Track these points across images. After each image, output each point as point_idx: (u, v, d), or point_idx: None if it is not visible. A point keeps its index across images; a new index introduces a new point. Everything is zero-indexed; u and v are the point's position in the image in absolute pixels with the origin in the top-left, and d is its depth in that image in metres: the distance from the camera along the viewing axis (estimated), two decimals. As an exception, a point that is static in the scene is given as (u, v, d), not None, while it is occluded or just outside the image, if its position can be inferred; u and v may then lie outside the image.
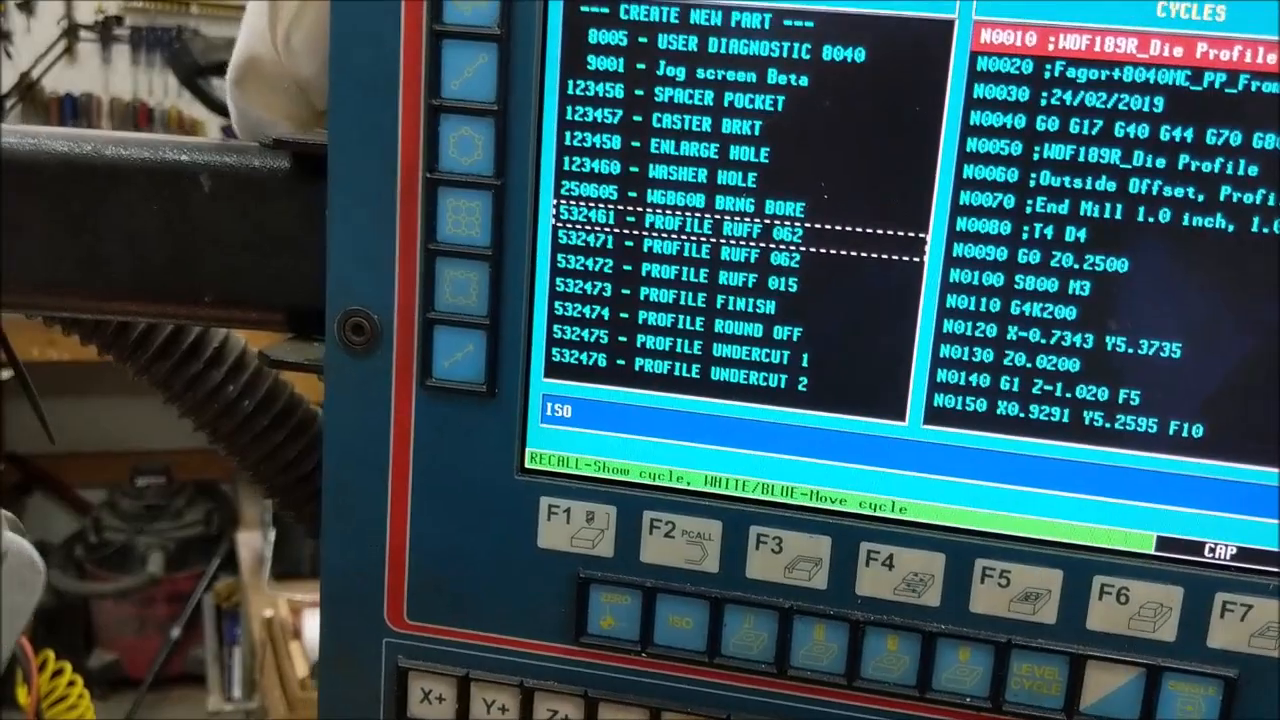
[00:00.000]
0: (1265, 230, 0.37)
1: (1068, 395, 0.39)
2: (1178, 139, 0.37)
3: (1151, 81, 0.37)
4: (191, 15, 3.23)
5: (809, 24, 0.39)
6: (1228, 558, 0.40)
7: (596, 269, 0.41)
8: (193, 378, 0.52)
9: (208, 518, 2.99)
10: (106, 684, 2.86)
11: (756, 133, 0.40)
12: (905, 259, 0.39)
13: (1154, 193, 0.38)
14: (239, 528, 2.73)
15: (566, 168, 0.41)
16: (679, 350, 0.42)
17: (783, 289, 0.41)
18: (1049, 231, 0.39)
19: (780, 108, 0.39)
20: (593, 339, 0.42)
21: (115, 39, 3.22)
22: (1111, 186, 0.38)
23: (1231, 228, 0.37)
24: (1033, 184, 0.38)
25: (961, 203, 0.39)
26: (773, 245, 0.40)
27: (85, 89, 3.25)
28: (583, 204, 0.41)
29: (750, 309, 0.41)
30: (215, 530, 2.97)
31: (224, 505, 3.06)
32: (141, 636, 2.93)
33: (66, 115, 3.22)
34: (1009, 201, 0.39)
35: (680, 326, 0.41)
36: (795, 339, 0.41)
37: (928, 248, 0.39)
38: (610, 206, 0.41)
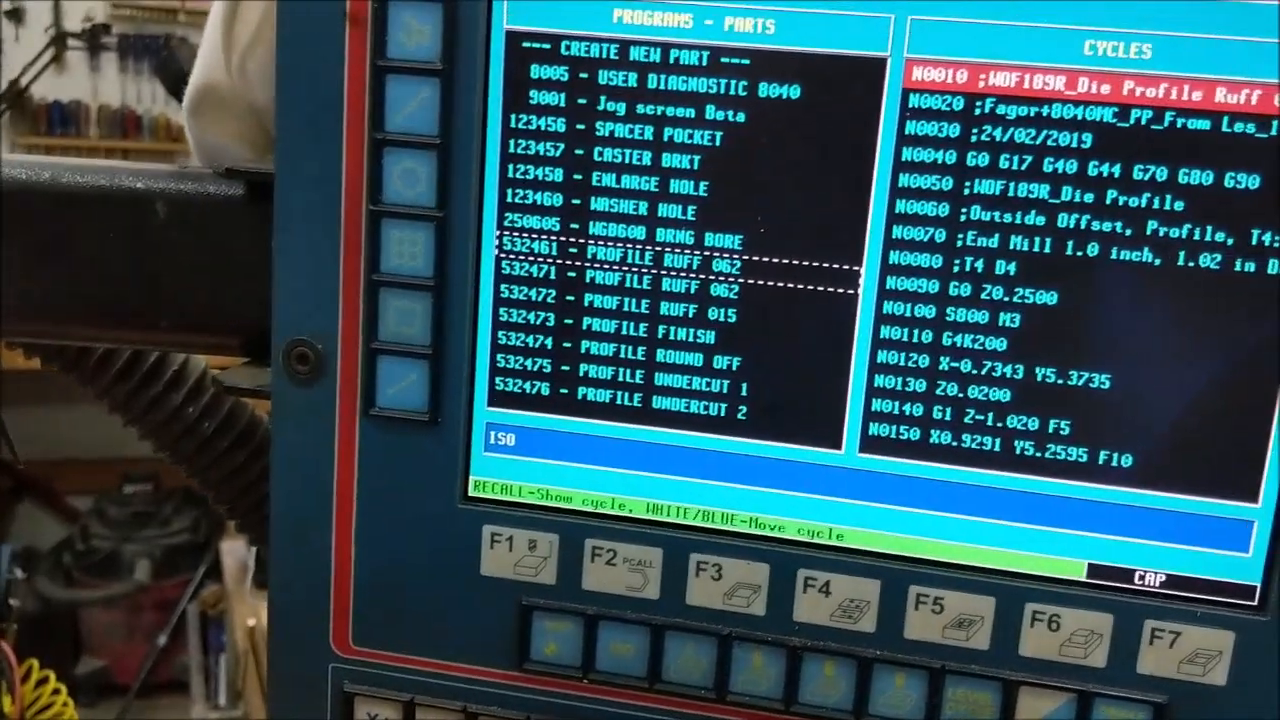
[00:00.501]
0: (1191, 264, 0.38)
1: (999, 425, 0.40)
2: (1105, 174, 0.38)
3: (1080, 118, 0.38)
4: (179, 23, 3.23)
5: (745, 61, 0.39)
6: (1157, 585, 0.40)
7: (539, 299, 0.42)
8: (153, 400, 0.53)
9: (195, 525, 2.99)
10: (94, 691, 2.85)
11: (696, 167, 0.40)
12: (840, 291, 0.40)
13: (1082, 227, 0.38)
14: (225, 535, 2.73)
15: (509, 200, 0.42)
16: (621, 379, 0.42)
17: (722, 319, 0.41)
18: (979, 265, 0.39)
19: (719, 143, 0.40)
20: (536, 368, 0.43)
21: (103, 47, 3.22)
22: (1041, 221, 0.39)
23: (1158, 261, 0.38)
24: (963, 218, 0.39)
25: (894, 236, 0.39)
26: (712, 277, 0.41)
27: (74, 96, 3.25)
28: (525, 235, 0.42)
29: (690, 339, 0.42)
30: (202, 538, 2.96)
31: (211, 513, 3.05)
32: (129, 643, 2.92)
33: (55, 123, 3.22)
34: (940, 235, 0.39)
35: (622, 356, 0.42)
36: (734, 368, 0.41)
37: (862, 280, 0.40)
38: (553, 238, 0.42)
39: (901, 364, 0.40)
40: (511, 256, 0.42)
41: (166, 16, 3.24)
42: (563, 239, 0.42)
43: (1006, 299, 0.39)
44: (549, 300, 0.42)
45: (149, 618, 2.91)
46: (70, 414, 2.77)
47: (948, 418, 0.40)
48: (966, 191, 0.39)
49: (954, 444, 0.40)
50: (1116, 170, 0.38)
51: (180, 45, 2.87)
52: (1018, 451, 0.40)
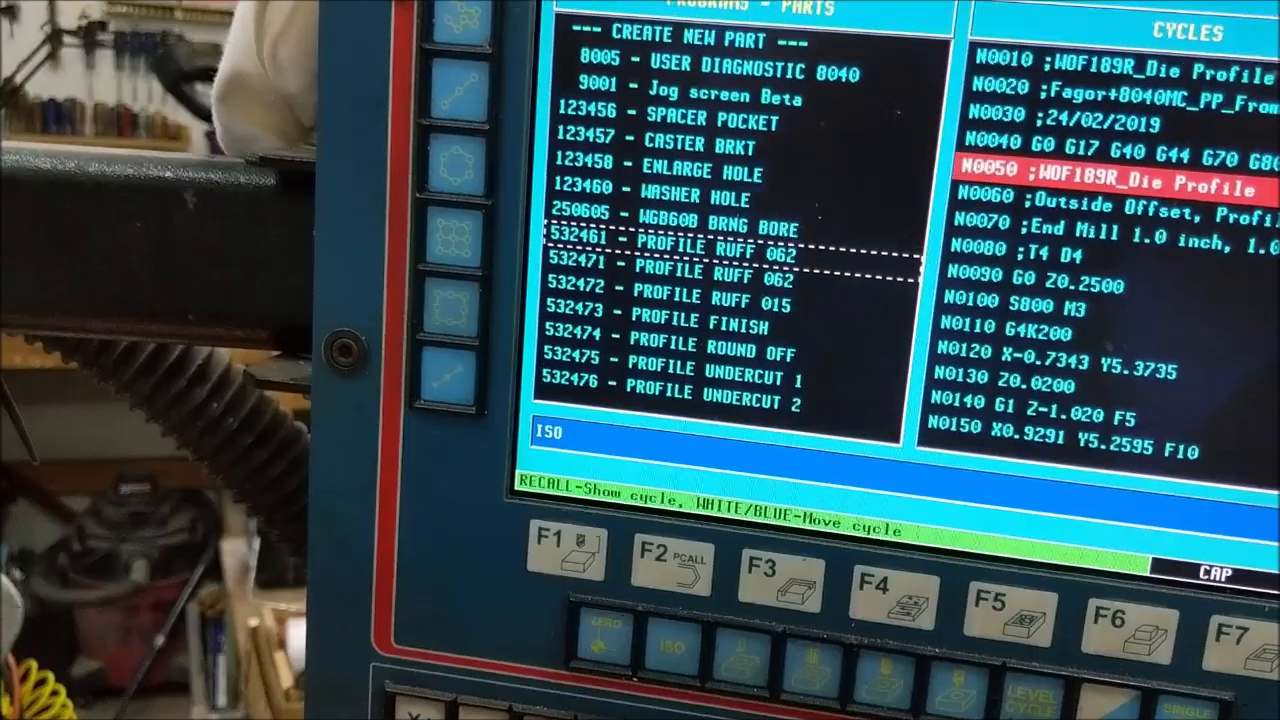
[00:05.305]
0: (1262, 251, 0.37)
1: (1063, 417, 0.39)
2: (1174, 160, 0.37)
3: (1148, 102, 0.37)
4: (176, 20, 3.22)
5: (803, 44, 0.38)
6: (1223, 580, 0.39)
7: (588, 289, 0.41)
8: (176, 395, 0.52)
9: (192, 525, 2.98)
10: (90, 693, 2.84)
11: (750, 153, 0.39)
12: (900, 280, 0.39)
13: (1150, 214, 0.38)
14: (224, 535, 2.72)
15: (558, 187, 0.41)
16: (671, 371, 0.41)
17: (776, 310, 0.40)
18: (1044, 252, 0.38)
19: (774, 127, 0.39)
20: (584, 360, 0.42)
21: (99, 44, 3.21)
22: (1108, 207, 0.38)
23: (1228, 249, 0.37)
24: (1028, 205, 0.38)
25: (956, 223, 0.39)
26: (766, 266, 0.40)
27: (69, 94, 3.24)
28: (574, 224, 0.41)
29: (743, 330, 0.41)
30: (200, 538, 2.95)
31: (209, 513, 3.05)
32: (125, 645, 2.91)
33: (50, 121, 3.21)
34: (1004, 222, 0.38)
35: (672, 347, 0.41)
36: (789, 360, 0.40)
37: (922, 269, 0.39)
38: (602, 226, 0.41)
39: (963, 355, 0.39)
40: (560, 245, 0.41)
41: (163, 14, 3.22)
42: (612, 227, 0.41)
43: (1072, 288, 0.38)
44: (598, 290, 0.41)
45: (146, 619, 2.90)
46: (66, 414, 2.77)
47: (1010, 410, 0.39)
48: (1031, 177, 0.38)
49: (1016, 437, 0.40)
50: (1185, 156, 0.37)
51: (177, 43, 2.86)
52: (1081, 444, 0.39)
